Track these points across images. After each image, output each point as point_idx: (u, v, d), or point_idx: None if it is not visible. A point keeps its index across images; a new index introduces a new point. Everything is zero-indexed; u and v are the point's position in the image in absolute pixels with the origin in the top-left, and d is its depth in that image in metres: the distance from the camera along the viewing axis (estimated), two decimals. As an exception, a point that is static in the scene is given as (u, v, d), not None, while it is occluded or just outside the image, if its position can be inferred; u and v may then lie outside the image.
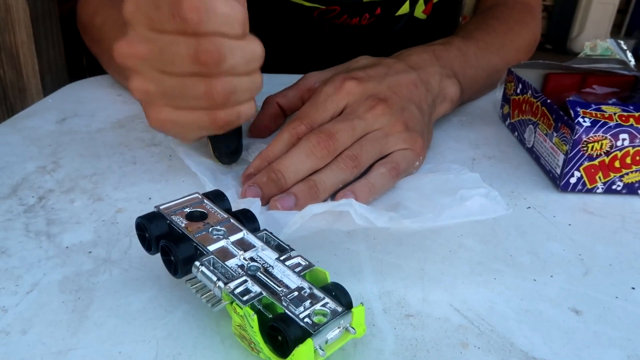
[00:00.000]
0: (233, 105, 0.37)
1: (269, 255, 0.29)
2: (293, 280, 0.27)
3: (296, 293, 0.26)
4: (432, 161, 0.48)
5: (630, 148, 0.42)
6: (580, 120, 0.41)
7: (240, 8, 0.35)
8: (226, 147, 0.43)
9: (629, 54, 0.55)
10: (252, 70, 0.37)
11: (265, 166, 0.41)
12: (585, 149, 0.42)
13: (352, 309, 0.26)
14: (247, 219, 0.32)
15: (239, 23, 0.35)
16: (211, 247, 0.29)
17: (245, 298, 0.26)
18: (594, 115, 0.42)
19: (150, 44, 0.34)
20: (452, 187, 0.39)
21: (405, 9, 0.68)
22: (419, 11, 0.70)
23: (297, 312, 0.25)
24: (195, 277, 0.28)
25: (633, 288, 0.33)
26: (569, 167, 0.43)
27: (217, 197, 0.33)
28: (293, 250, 0.29)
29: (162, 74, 0.35)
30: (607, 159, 0.42)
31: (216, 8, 0.33)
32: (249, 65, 0.37)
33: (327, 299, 0.26)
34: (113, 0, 0.59)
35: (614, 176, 0.43)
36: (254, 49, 0.37)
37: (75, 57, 0.86)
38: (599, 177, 0.43)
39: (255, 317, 0.25)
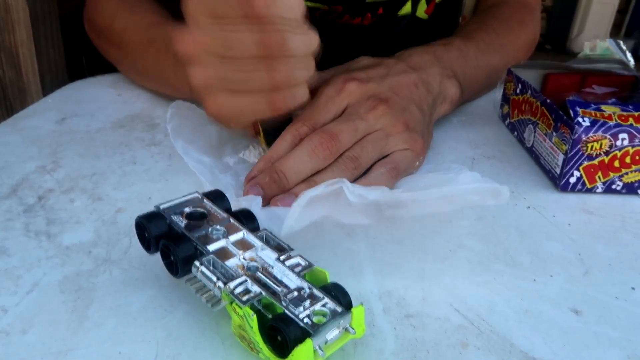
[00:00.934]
0: (290, 88, 0.38)
1: (268, 255, 0.29)
2: (293, 280, 0.27)
3: (296, 293, 0.26)
4: (432, 161, 0.48)
5: (629, 148, 0.42)
6: (580, 120, 0.41)
7: (301, 2, 0.36)
8: (279, 132, 0.43)
9: (629, 54, 0.55)
10: (310, 63, 0.38)
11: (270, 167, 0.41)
12: (584, 148, 0.42)
13: (352, 309, 0.26)
14: (247, 218, 0.32)
15: (301, 16, 0.36)
16: (211, 247, 0.29)
17: (244, 298, 0.26)
18: (593, 115, 0.42)
19: (215, 35, 0.36)
20: (451, 183, 0.39)
21: (407, 8, 0.68)
22: (421, 11, 0.70)
23: (296, 312, 0.25)
24: (195, 277, 0.28)
25: (633, 288, 0.33)
26: (568, 166, 0.43)
27: (217, 196, 0.33)
28: (293, 250, 0.29)
29: (225, 65, 0.36)
30: (606, 159, 0.42)
31: (283, 2, 0.35)
32: (308, 57, 0.38)
33: (326, 299, 0.26)
34: (132, 4, 0.61)
35: (614, 176, 0.43)
36: (313, 41, 0.38)
37: (75, 57, 0.86)
38: (599, 177, 0.43)
39: (254, 317, 0.25)
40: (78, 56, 0.89)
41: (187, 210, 0.31)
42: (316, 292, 0.26)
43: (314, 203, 0.36)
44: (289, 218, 0.35)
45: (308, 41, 0.38)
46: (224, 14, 0.35)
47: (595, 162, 0.42)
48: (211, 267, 0.28)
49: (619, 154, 0.42)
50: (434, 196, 0.34)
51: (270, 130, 0.44)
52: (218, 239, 0.29)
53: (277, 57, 0.36)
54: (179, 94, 0.52)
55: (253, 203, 0.37)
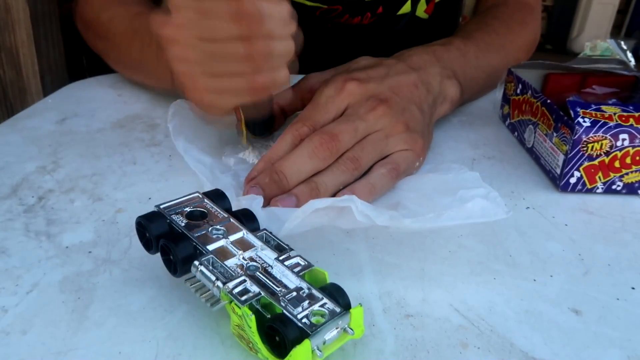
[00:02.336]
0: (270, 70, 0.38)
1: (268, 255, 0.29)
2: (292, 281, 0.27)
3: (295, 293, 0.26)
4: (432, 161, 0.48)
5: (630, 148, 0.42)
6: (580, 120, 0.41)
7: None
8: (259, 116, 0.44)
9: (629, 54, 0.55)
10: (287, 34, 0.38)
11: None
12: (585, 149, 0.42)
13: (351, 310, 0.26)
14: (247, 218, 0.32)
15: None
16: (210, 247, 0.29)
17: (243, 298, 0.26)
18: (593, 115, 0.42)
19: (189, 11, 0.36)
20: (451, 186, 0.39)
21: (407, 8, 0.68)
22: (421, 10, 0.70)
23: (295, 313, 0.25)
24: (195, 276, 0.28)
25: (633, 288, 0.33)
26: (568, 167, 0.43)
27: (217, 196, 0.33)
28: (292, 250, 0.29)
29: (202, 41, 0.36)
30: (607, 159, 0.42)
31: None
32: (285, 28, 0.38)
33: (325, 300, 0.26)
34: None
35: (614, 176, 0.43)
36: (288, 11, 0.38)
37: (75, 57, 0.86)
38: (599, 177, 0.43)
39: (253, 317, 0.25)
40: (78, 56, 0.89)
41: (187, 209, 0.31)
42: (315, 292, 0.26)
43: (317, 212, 0.36)
44: (289, 222, 0.34)
45: (286, 17, 0.37)
46: None
47: (596, 162, 0.42)
48: (210, 267, 0.28)
49: (619, 154, 0.42)
50: (442, 223, 0.34)
51: (255, 122, 0.44)
52: (218, 238, 0.29)
53: (254, 36, 0.35)
54: (162, 84, 0.52)
55: (254, 202, 0.37)
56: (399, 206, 0.38)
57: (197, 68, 0.38)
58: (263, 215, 0.35)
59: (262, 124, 0.45)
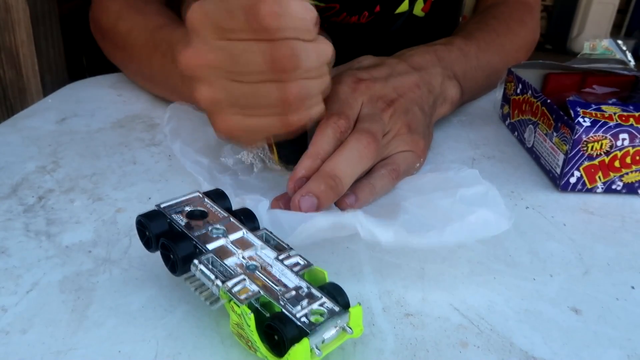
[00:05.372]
0: (305, 103, 0.36)
1: (268, 254, 0.29)
2: (291, 280, 0.27)
3: (294, 292, 0.26)
4: (432, 161, 0.48)
5: (630, 148, 0.42)
6: (580, 120, 0.41)
7: (312, 8, 0.34)
8: (294, 150, 0.41)
9: (629, 54, 0.55)
10: (324, 72, 0.36)
11: (318, 165, 0.38)
12: (585, 148, 0.42)
13: (350, 309, 0.26)
14: (247, 217, 0.32)
15: (313, 24, 0.34)
16: (210, 246, 0.29)
17: (242, 297, 0.26)
18: (594, 115, 0.42)
19: (220, 51, 0.33)
20: (451, 184, 0.38)
21: (404, 6, 0.68)
22: (418, 9, 0.70)
23: (294, 312, 0.25)
24: (194, 275, 0.28)
25: (633, 288, 0.33)
26: (568, 167, 0.43)
27: (217, 195, 0.33)
28: (292, 249, 0.29)
29: (233, 82, 0.34)
30: (607, 159, 0.42)
31: (292, 12, 0.32)
32: (322, 67, 0.36)
33: (324, 299, 0.26)
34: (137, 5, 0.58)
35: (614, 176, 0.43)
36: (326, 50, 0.36)
37: (75, 57, 0.86)
38: (599, 177, 0.43)
39: (252, 315, 0.25)
40: (78, 56, 0.89)
41: (187, 209, 0.31)
42: (314, 291, 0.26)
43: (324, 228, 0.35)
44: (294, 236, 0.33)
45: (321, 50, 0.35)
46: (229, 27, 0.32)
47: (596, 162, 0.42)
48: (210, 266, 0.28)
49: (619, 154, 0.42)
50: (446, 239, 0.33)
51: (284, 143, 0.41)
52: (218, 237, 0.29)
53: (289, 72, 0.33)
54: (187, 101, 0.49)
55: (259, 205, 0.36)
56: (400, 210, 0.38)
57: (225, 103, 0.35)
58: (267, 220, 0.35)
59: (296, 158, 0.40)
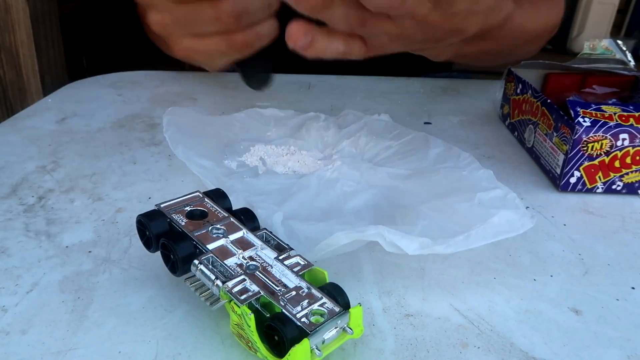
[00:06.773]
0: (249, 26, 0.36)
1: (268, 255, 0.29)
2: (291, 280, 0.27)
3: (294, 292, 0.26)
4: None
5: (630, 148, 0.42)
6: (580, 120, 0.41)
7: None
8: (253, 70, 0.42)
9: (629, 54, 0.55)
10: None
11: None
12: (585, 148, 0.42)
13: (350, 310, 0.26)
14: (247, 217, 0.32)
15: None
16: (210, 246, 0.29)
17: (242, 297, 0.26)
18: (594, 115, 0.42)
19: None
20: (466, 186, 0.38)
21: None
22: None
23: (294, 312, 0.25)
24: (194, 275, 0.28)
25: (633, 288, 0.33)
26: (569, 167, 0.43)
27: (218, 195, 0.33)
28: (292, 249, 0.29)
29: (174, 3, 0.36)
30: (607, 159, 0.42)
31: None
32: None
33: (324, 299, 0.26)
34: None
35: (614, 176, 0.43)
36: None
37: (75, 57, 0.86)
38: (599, 177, 0.43)
39: (252, 316, 0.25)
40: (78, 56, 0.89)
41: (187, 209, 0.31)
42: (314, 291, 0.26)
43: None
44: (314, 253, 0.33)
45: None
46: None
47: (596, 162, 0.42)
48: (210, 266, 0.28)
49: (619, 154, 0.42)
50: (473, 245, 0.33)
51: (245, 65, 0.41)
52: (218, 237, 0.29)
53: None
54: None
55: (274, 216, 0.36)
56: (417, 215, 0.36)
57: (175, 29, 0.37)
58: (282, 232, 0.35)
59: (258, 78, 0.43)
